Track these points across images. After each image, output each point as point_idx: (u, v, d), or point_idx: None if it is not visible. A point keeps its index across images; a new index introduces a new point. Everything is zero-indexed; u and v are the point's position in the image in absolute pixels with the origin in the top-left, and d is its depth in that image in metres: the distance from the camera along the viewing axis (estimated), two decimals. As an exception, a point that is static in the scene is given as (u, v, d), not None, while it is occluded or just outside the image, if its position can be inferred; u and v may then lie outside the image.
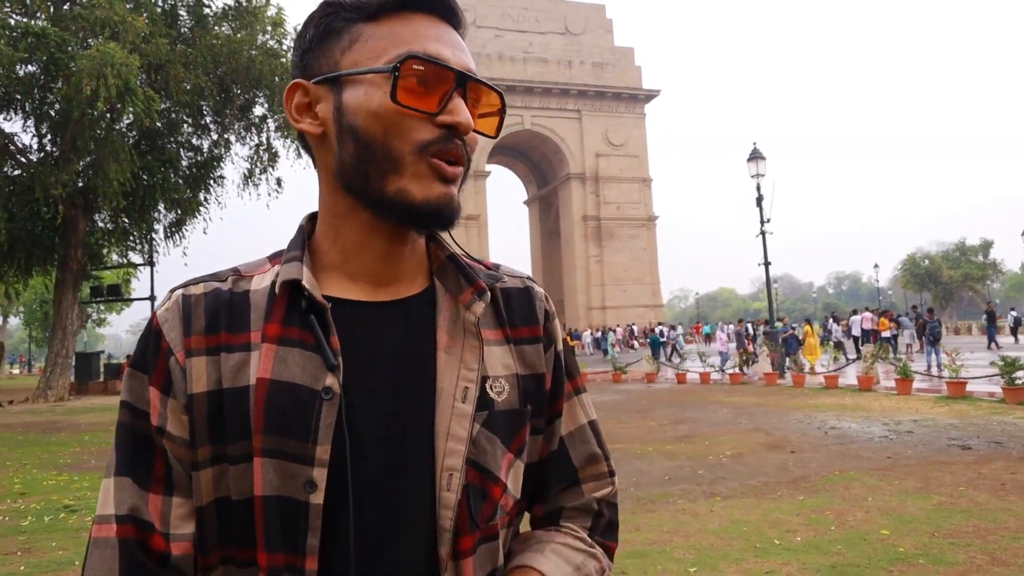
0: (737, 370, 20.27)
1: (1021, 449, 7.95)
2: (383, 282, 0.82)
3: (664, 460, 8.36)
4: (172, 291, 0.81)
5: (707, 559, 4.62)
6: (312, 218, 0.87)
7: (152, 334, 0.78)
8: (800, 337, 21.32)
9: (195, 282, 0.82)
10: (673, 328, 35.74)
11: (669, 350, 32.02)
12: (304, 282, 0.76)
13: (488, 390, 0.81)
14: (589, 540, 0.89)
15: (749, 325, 28.71)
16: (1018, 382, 11.98)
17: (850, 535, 5.01)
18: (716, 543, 4.97)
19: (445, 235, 0.88)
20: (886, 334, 25.28)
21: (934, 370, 17.77)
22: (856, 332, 26.93)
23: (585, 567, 0.86)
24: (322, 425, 0.73)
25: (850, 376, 17.77)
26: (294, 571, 0.72)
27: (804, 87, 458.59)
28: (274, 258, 0.85)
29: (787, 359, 19.70)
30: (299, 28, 0.85)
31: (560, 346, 0.91)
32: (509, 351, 0.85)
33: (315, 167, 0.84)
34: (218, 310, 0.78)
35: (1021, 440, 8.51)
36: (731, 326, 27.94)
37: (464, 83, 0.77)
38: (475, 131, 0.79)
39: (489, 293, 0.83)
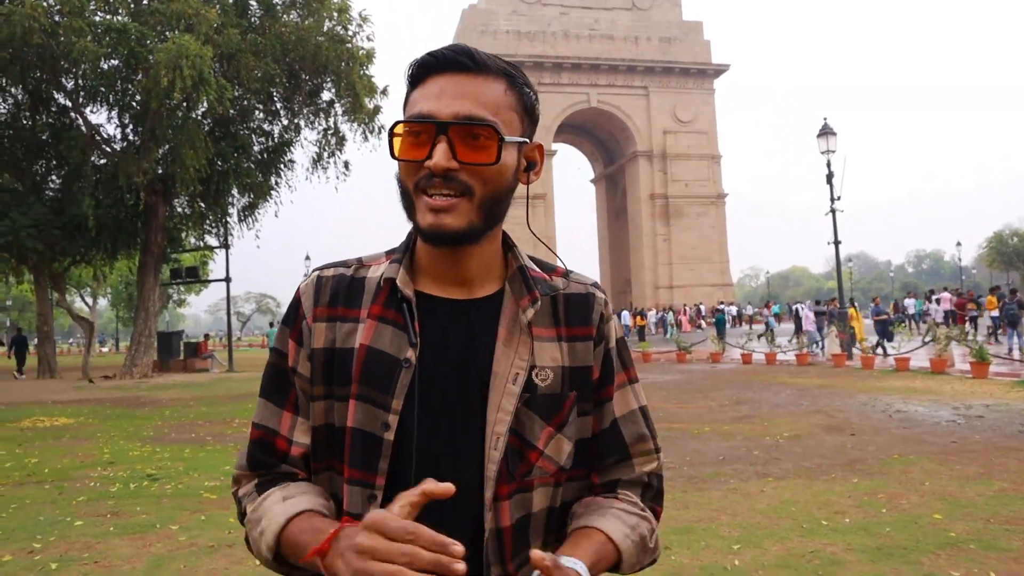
0: (807, 350, 19.67)
1: (1097, 435, 7.67)
2: (457, 283, 1.05)
3: (720, 440, 8.37)
4: (313, 271, 1.10)
5: (752, 537, 4.68)
6: None
7: (295, 301, 1.08)
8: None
9: (329, 267, 1.10)
10: (768, 306, 34.60)
11: (763, 329, 30.90)
12: (398, 281, 1.03)
13: (534, 377, 1.01)
14: (641, 505, 1.08)
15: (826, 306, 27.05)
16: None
17: (901, 518, 4.98)
18: (763, 522, 5.03)
19: (530, 241, 1.13)
20: (995, 313, 23.35)
21: (1015, 353, 17.06)
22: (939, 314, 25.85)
23: (639, 528, 1.04)
24: (399, 384, 0.98)
25: (924, 358, 17.22)
26: (367, 485, 0.99)
27: (881, 45, 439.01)
28: (389, 253, 1.10)
29: (882, 343, 18.92)
30: None
31: (612, 343, 1.11)
32: (559, 347, 1.05)
33: None
34: (339, 290, 1.06)
35: (1099, 426, 8.19)
36: (804, 305, 26.82)
37: (445, 130, 0.95)
38: (465, 163, 0.95)
39: (540, 302, 1.04)
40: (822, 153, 21.07)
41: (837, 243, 21.14)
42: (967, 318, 24.81)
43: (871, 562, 4.15)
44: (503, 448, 0.98)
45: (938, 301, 27.35)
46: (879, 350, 18.68)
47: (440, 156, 0.94)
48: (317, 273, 1.09)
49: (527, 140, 1.03)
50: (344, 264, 1.10)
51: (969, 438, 7.89)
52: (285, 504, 0.97)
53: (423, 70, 0.99)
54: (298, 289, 1.09)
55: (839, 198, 20.93)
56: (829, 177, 21.04)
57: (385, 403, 0.98)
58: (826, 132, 20.97)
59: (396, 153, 0.97)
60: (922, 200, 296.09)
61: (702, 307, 46.84)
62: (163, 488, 6.91)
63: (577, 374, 1.05)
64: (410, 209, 1.00)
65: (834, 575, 3.98)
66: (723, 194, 57.22)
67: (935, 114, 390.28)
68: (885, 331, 19.90)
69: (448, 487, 0.83)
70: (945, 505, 5.27)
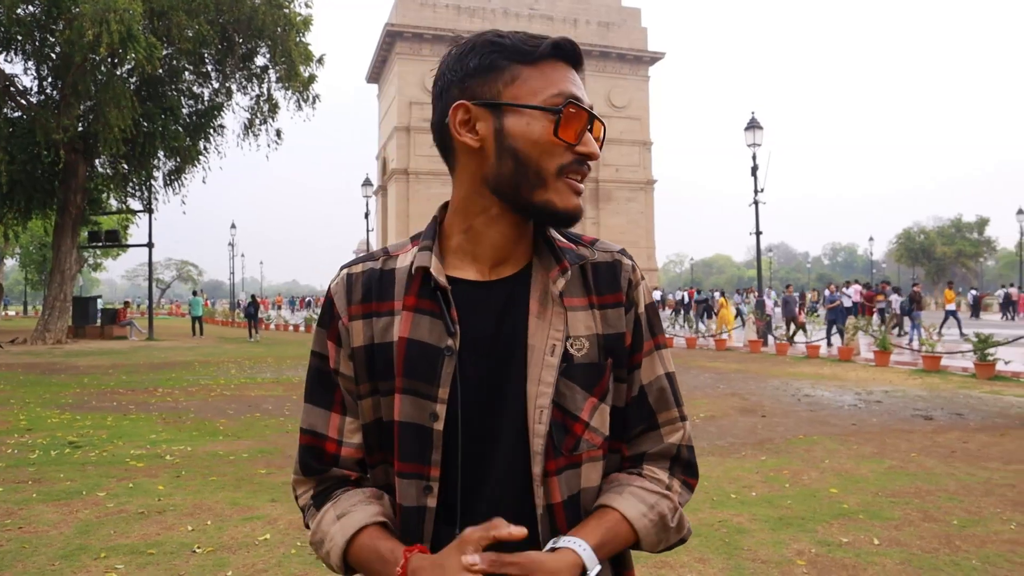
0: (786, 340, 19.12)
1: (979, 421, 8.38)
2: (496, 262, 1.03)
3: (641, 419, 8.75)
4: (341, 269, 1.08)
5: (666, 508, 5.01)
6: (445, 207, 1.09)
7: (328, 302, 1.07)
8: (715, 308, 21.69)
9: (356, 262, 1.08)
10: (691, 293, 35.50)
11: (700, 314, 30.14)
12: (432, 269, 1.00)
13: (569, 347, 1.00)
14: (666, 482, 1.05)
15: (797, 294, 25.22)
16: (989, 358, 12.39)
17: (801, 492, 5.42)
18: (677, 495, 5.37)
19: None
20: (951, 307, 23.25)
21: (915, 344, 18.19)
22: (847, 304, 27.13)
23: (658, 506, 1.01)
24: (443, 373, 0.98)
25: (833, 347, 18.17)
26: (422, 477, 0.98)
27: (810, 50, 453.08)
28: (415, 239, 1.08)
29: (840, 330, 19.06)
30: (455, 52, 1.03)
31: (642, 308, 1.08)
32: (592, 315, 1.03)
33: (451, 170, 1.05)
34: (371, 285, 1.04)
35: (981, 412, 8.94)
36: (771, 292, 26.62)
37: (592, 121, 1.00)
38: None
39: (570, 271, 1.02)
40: (748, 146, 21.81)
41: (758, 234, 22.00)
42: (875, 309, 26.19)
43: (772, 530, 4.54)
44: (547, 421, 0.97)
45: (897, 292, 27.50)
46: (833, 338, 19.37)
47: (596, 146, 1.00)
48: (346, 271, 1.07)
49: None
50: (371, 257, 1.08)
51: (867, 421, 8.50)
52: (340, 524, 1.00)
53: (555, 51, 0.99)
54: (329, 290, 1.08)
55: (762, 190, 21.76)
56: (754, 170, 21.83)
57: (431, 393, 0.97)
58: (753, 126, 21.71)
59: (558, 133, 0.96)
60: (844, 195, 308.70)
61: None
62: (87, 455, 6.82)
63: (611, 341, 1.03)
64: (531, 189, 0.98)
65: (739, 542, 4.33)
66: (652, 180, 58.43)
67: (868, 109, 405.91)
68: (839, 320, 20.27)
69: (521, 530, 0.87)
70: (841, 480, 5.74)
